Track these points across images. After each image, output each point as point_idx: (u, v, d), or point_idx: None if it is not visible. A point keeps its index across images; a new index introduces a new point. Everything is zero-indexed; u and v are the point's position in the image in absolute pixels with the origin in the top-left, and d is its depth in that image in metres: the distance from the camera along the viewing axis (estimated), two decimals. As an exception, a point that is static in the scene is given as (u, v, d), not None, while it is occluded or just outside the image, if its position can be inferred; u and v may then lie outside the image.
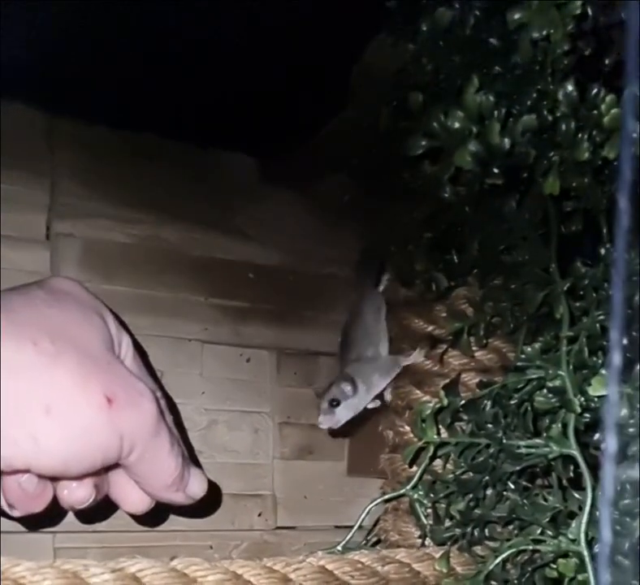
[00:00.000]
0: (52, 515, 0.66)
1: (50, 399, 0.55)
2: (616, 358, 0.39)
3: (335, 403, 0.77)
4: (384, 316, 0.85)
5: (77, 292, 0.63)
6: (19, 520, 0.67)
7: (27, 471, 0.57)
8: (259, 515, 0.90)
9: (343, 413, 0.79)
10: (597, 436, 0.65)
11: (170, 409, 0.66)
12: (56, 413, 0.55)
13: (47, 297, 0.60)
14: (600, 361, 0.66)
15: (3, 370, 0.53)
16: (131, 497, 0.66)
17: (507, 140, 0.65)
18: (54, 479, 0.61)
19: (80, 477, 0.61)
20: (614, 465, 0.42)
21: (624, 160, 0.38)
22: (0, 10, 0.75)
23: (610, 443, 0.44)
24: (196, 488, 0.67)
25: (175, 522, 0.85)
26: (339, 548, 0.72)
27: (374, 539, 0.82)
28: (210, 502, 0.84)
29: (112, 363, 0.60)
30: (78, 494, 0.62)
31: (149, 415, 0.60)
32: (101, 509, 0.68)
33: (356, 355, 0.83)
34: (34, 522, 0.75)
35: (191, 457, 0.67)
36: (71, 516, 0.79)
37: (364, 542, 0.81)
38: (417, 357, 0.81)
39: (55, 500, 0.63)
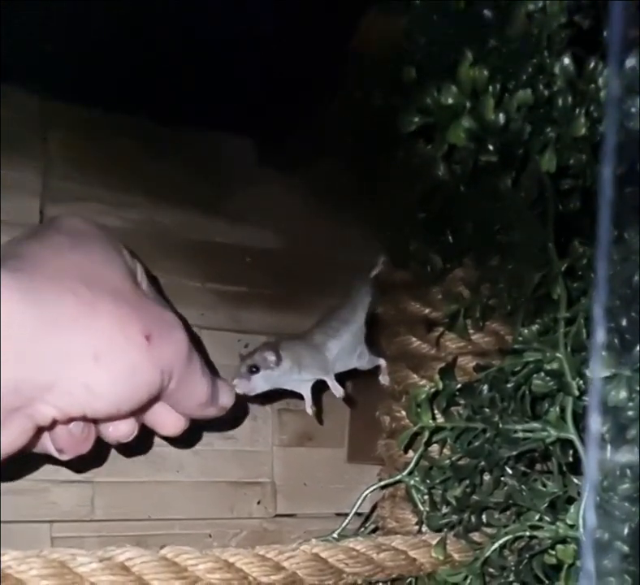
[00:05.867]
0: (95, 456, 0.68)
1: (97, 346, 0.56)
2: (599, 338, 0.37)
3: (254, 369, 0.75)
4: (362, 319, 0.82)
5: (90, 229, 0.64)
6: (66, 464, 0.70)
7: (81, 418, 0.60)
8: (258, 503, 0.90)
9: (260, 383, 0.76)
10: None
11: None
12: (104, 360, 0.56)
13: (68, 241, 0.61)
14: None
15: (50, 324, 0.54)
16: (168, 420, 0.67)
17: (501, 116, 0.64)
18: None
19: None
20: (597, 449, 0.41)
21: (608, 146, 0.37)
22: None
23: (593, 426, 0.42)
24: (226, 399, 0.70)
25: (173, 510, 0.85)
26: (334, 535, 0.71)
27: (372, 526, 0.81)
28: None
29: (141, 298, 0.61)
30: (122, 429, 0.64)
31: (182, 344, 0.62)
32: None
33: (302, 335, 0.81)
34: (80, 464, 0.77)
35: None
36: (68, 506, 0.80)
37: (362, 529, 0.80)
38: (337, 389, 0.79)
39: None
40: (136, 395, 0.59)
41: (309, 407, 0.80)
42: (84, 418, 0.60)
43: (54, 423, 0.59)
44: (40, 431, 0.59)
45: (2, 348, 0.52)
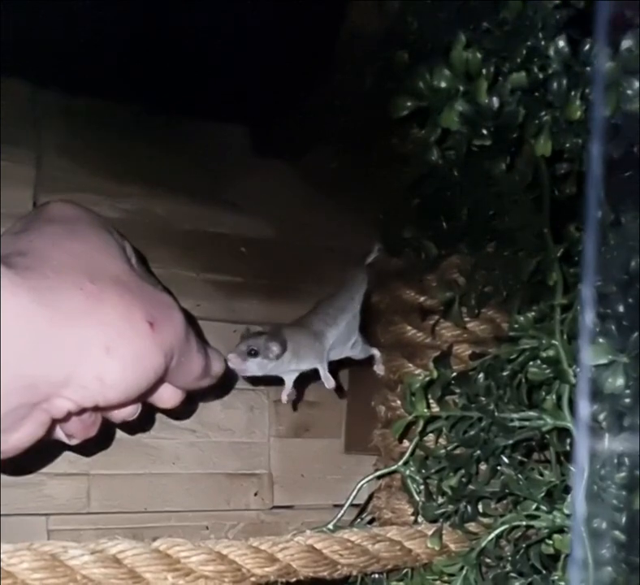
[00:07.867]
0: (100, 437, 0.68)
1: (107, 338, 0.57)
2: (591, 324, 0.36)
3: (253, 352, 0.74)
4: (357, 307, 0.82)
5: (79, 213, 0.65)
6: (73, 448, 0.72)
7: (93, 409, 0.61)
8: (255, 494, 0.89)
9: (253, 367, 0.75)
10: (594, 408, 0.63)
11: None
12: (115, 351, 0.57)
13: (64, 231, 0.62)
14: (596, 330, 0.64)
15: (61, 322, 0.55)
16: (165, 395, 0.68)
17: (495, 99, 0.63)
18: None
19: None
20: (588, 436, 0.40)
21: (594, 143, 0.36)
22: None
23: (583, 413, 0.41)
24: (218, 367, 0.71)
25: (170, 502, 0.85)
26: (329, 526, 0.70)
27: (369, 517, 0.80)
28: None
29: (138, 283, 0.62)
30: (126, 409, 0.65)
31: (180, 325, 0.63)
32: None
33: (301, 321, 0.80)
34: (87, 447, 0.76)
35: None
36: (63, 499, 0.80)
37: (358, 520, 0.80)
38: (328, 380, 0.78)
39: None
40: (144, 380, 0.61)
41: (285, 396, 0.80)
42: (96, 408, 0.61)
43: (68, 415, 0.60)
44: (54, 422, 0.61)
45: (17, 347, 0.53)
